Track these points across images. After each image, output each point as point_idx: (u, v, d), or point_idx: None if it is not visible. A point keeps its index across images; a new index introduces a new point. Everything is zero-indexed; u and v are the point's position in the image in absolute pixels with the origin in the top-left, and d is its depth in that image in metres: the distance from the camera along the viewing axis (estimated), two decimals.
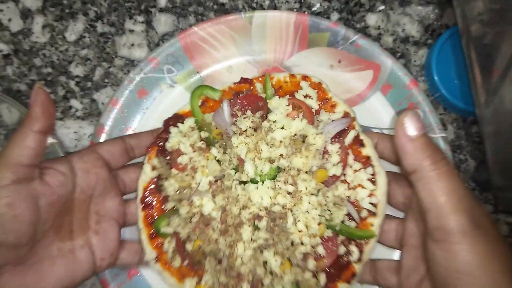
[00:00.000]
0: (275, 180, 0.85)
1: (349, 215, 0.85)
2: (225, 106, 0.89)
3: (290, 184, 0.83)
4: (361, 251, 0.85)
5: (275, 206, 0.83)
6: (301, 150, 0.84)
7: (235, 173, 0.86)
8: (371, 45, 0.98)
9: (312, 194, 0.83)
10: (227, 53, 1.01)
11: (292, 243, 0.83)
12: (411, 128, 0.70)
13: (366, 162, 0.86)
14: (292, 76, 0.94)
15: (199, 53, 1.00)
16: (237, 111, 0.89)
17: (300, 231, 0.83)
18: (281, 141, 0.85)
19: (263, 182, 0.84)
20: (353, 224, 0.86)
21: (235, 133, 0.86)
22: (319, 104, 0.91)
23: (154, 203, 0.90)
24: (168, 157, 0.90)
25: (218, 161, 0.86)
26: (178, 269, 0.88)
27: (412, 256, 0.79)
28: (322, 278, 0.84)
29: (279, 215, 0.83)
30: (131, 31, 1.09)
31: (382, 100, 1.00)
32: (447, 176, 0.67)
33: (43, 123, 0.72)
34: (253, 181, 0.85)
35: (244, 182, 0.86)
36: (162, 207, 0.90)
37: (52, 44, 1.09)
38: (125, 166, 0.92)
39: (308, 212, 0.83)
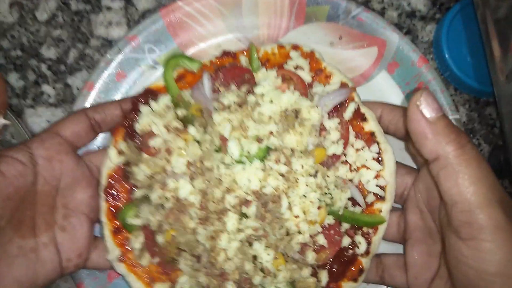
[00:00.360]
0: (264, 160, 0.72)
1: (352, 200, 0.75)
2: (206, 80, 0.78)
3: (284, 164, 0.71)
4: (369, 242, 0.74)
5: (266, 188, 0.71)
6: (294, 126, 0.73)
7: (218, 154, 0.74)
8: (376, 19, 0.88)
9: (309, 175, 0.72)
10: (215, 30, 0.90)
11: (288, 233, 0.71)
12: (427, 109, 0.61)
13: (370, 139, 0.76)
14: (281, 47, 0.83)
15: (184, 30, 0.89)
16: (219, 86, 0.77)
17: (296, 217, 0.71)
18: (270, 117, 0.74)
19: (251, 163, 0.72)
20: (357, 209, 0.75)
21: (217, 110, 0.75)
22: (312, 76, 0.80)
23: (120, 193, 0.78)
24: (137, 140, 0.78)
25: (198, 142, 0.75)
26: (147, 271, 0.76)
27: (419, 252, 0.71)
28: (324, 276, 0.73)
29: (271, 198, 0.71)
30: (109, 8, 0.99)
31: (388, 80, 0.89)
32: (475, 163, 0.58)
33: None
34: (239, 162, 0.73)
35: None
36: (130, 196, 0.78)
37: (21, 24, 0.99)
38: (97, 151, 0.81)
39: (305, 196, 0.71)
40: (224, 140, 0.73)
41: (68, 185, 0.74)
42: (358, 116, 0.77)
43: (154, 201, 0.72)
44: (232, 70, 0.79)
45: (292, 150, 0.72)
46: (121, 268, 0.76)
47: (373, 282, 0.79)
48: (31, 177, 0.69)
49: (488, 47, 0.82)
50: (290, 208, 0.71)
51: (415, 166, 0.81)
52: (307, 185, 0.71)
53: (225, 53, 0.83)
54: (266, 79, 0.78)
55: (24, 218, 0.69)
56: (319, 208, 0.71)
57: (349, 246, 0.74)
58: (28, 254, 0.68)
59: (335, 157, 0.75)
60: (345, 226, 0.75)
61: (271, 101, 0.75)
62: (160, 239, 0.73)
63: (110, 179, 0.77)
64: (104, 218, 0.77)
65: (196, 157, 0.72)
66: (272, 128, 0.73)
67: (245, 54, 0.83)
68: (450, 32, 0.94)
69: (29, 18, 1.00)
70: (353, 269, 0.75)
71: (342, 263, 0.74)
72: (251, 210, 0.70)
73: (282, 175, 0.71)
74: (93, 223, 0.77)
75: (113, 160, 0.77)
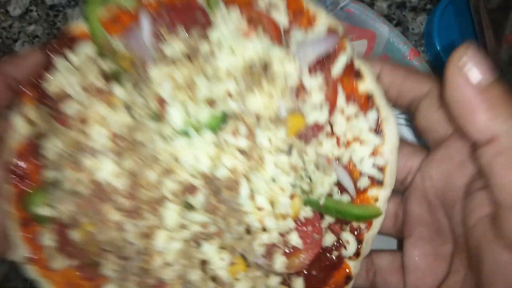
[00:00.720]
0: (218, 132, 0.54)
1: (339, 185, 0.57)
2: (145, 22, 0.57)
3: (245, 137, 0.53)
4: (359, 241, 0.57)
5: (220, 169, 0.52)
6: (261, 85, 0.54)
7: (154, 123, 0.55)
8: (365, 10, 0.85)
9: (280, 152, 0.54)
10: None
11: (248, 230, 0.54)
12: (475, 72, 0.45)
13: (366, 102, 0.57)
14: None
15: None
16: (163, 32, 0.57)
17: (260, 209, 0.53)
18: (229, 73, 0.55)
19: (199, 135, 0.53)
20: (345, 198, 0.57)
21: (157, 62, 0.55)
22: (289, 19, 0.60)
23: (29, 175, 0.60)
24: (50, 105, 0.58)
25: (128, 108, 0.56)
26: (66, 276, 0.59)
27: (422, 253, 0.57)
28: (298, 285, 0.57)
29: (225, 183, 0.52)
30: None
31: None
32: None
33: None
34: (184, 134, 0.54)
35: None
36: (41, 179, 0.59)
37: None
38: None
39: (274, 180, 0.53)
40: (163, 103, 0.54)
41: None
42: (351, 72, 0.57)
43: (66, 187, 0.55)
44: (182, 10, 0.59)
45: (258, 117, 0.54)
46: (32, 272, 0.59)
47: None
48: None
49: (481, 38, 0.80)
50: (252, 197, 0.53)
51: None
52: (276, 166, 0.53)
53: None
54: (226, 21, 0.57)
55: None
56: (292, 197, 0.54)
57: (333, 246, 0.58)
58: None
59: (317, 127, 0.56)
60: (328, 219, 0.58)
61: (232, 51, 0.55)
62: (75, 235, 0.56)
63: (17, 156, 0.59)
64: (9, 206, 0.59)
65: (124, 127, 0.55)
66: (231, 88, 0.54)
67: None
68: (442, 23, 0.92)
69: (1, 13, 0.95)
70: (338, 275, 0.58)
71: (323, 268, 0.58)
72: (198, 199, 0.53)
73: (242, 152, 0.53)
74: None
75: (20, 131, 0.59)
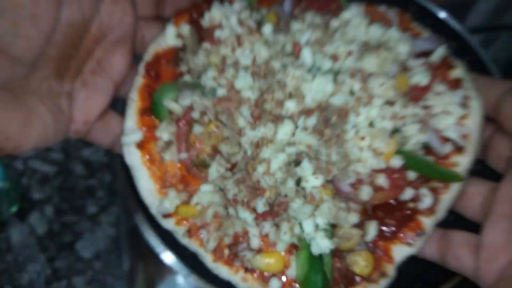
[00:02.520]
0: (338, 75, 0.63)
1: (426, 148, 0.63)
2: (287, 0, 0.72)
3: (360, 81, 0.61)
4: (436, 199, 0.60)
5: (336, 98, 0.60)
6: (378, 50, 0.63)
7: (288, 58, 0.64)
8: None
9: (386, 102, 0.61)
10: None
11: (345, 158, 0.59)
12: None
13: (455, 85, 0.65)
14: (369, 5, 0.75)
15: None
16: (299, 13, 0.71)
17: (362, 139, 0.59)
18: (352, 41, 0.65)
19: (322, 75, 0.62)
20: (431, 159, 0.62)
21: (297, 21, 0.67)
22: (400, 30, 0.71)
23: (162, 77, 0.67)
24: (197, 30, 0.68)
25: (268, 45, 0.66)
26: (164, 173, 0.63)
27: (501, 230, 0.57)
28: (372, 228, 0.59)
29: (337, 111, 0.59)
30: None
31: None
32: None
33: None
34: (309, 72, 0.63)
35: None
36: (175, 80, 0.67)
37: None
38: (149, 22, 0.71)
39: (377, 122, 0.60)
40: (297, 46, 0.64)
41: (114, 41, 0.64)
42: (446, 65, 0.67)
43: (206, 83, 0.63)
44: (317, 0, 0.73)
45: (370, 74, 0.63)
46: (134, 156, 0.63)
47: (430, 258, 0.62)
48: (92, 11, 0.61)
49: None
50: (356, 129, 0.60)
51: None
52: (381, 108, 0.60)
53: None
54: (355, 9, 0.69)
55: (66, 55, 0.60)
56: (390, 138, 0.60)
57: (410, 201, 0.60)
58: (54, 99, 0.59)
59: (417, 90, 0.64)
60: (412, 175, 0.62)
61: (357, 27, 0.67)
62: (198, 129, 0.61)
63: (156, 58, 0.68)
64: (135, 95, 0.66)
65: (263, 58, 0.64)
66: (353, 49, 0.64)
67: None
68: None
69: None
70: (410, 228, 0.60)
71: (397, 218, 0.60)
72: (311, 121, 0.59)
73: (355, 93, 0.61)
74: (113, 94, 0.66)
75: (168, 39, 0.68)
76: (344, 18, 0.68)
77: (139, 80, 0.66)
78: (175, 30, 0.68)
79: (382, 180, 0.59)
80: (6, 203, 0.87)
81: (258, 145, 0.60)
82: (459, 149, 0.62)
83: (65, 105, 0.60)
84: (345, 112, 0.60)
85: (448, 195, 0.61)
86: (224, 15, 0.68)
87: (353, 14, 0.69)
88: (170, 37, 0.68)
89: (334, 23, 0.68)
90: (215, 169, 0.60)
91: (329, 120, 0.59)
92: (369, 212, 0.60)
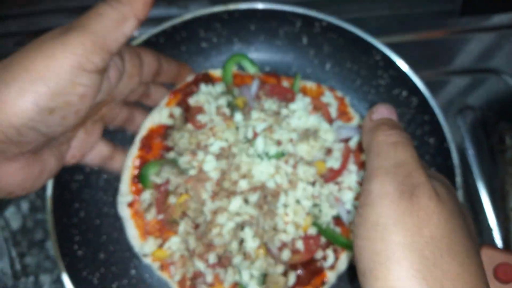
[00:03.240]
0: (278, 160, 0.84)
1: (336, 220, 0.84)
2: (255, 84, 0.92)
3: (291, 166, 0.83)
4: (336, 258, 0.84)
5: (270, 181, 0.82)
6: (308, 139, 0.84)
7: (245, 144, 0.85)
8: None
9: (308, 183, 0.83)
10: None
11: (275, 228, 0.81)
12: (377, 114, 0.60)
13: (362, 165, 0.87)
14: (319, 86, 0.97)
15: None
16: (262, 95, 0.91)
17: (287, 215, 0.81)
18: (294, 129, 0.86)
19: (268, 159, 0.83)
20: (338, 230, 0.84)
21: (256, 109, 0.87)
22: (337, 114, 0.94)
23: (152, 149, 0.87)
24: (187, 111, 0.88)
25: (237, 130, 0.86)
26: (145, 225, 0.84)
27: None
28: (292, 277, 0.82)
29: (272, 191, 0.82)
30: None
31: None
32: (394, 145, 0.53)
33: (144, 9, 0.60)
34: (259, 156, 0.84)
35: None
36: (160, 155, 0.87)
37: None
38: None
39: (298, 201, 0.82)
40: (255, 134, 0.85)
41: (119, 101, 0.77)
42: (360, 148, 0.87)
43: (181, 165, 0.83)
44: (277, 87, 0.94)
45: (301, 158, 0.84)
46: (125, 212, 0.84)
47: None
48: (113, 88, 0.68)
49: None
50: (285, 205, 0.82)
51: None
52: (303, 190, 0.82)
53: (272, 74, 0.97)
54: (301, 101, 0.90)
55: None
56: (307, 215, 0.82)
57: (320, 259, 0.84)
58: (60, 146, 0.68)
59: (332, 173, 0.85)
60: (323, 240, 0.84)
61: (299, 118, 0.87)
62: (173, 199, 0.82)
63: (150, 132, 0.87)
64: (130, 162, 0.85)
65: (229, 142, 0.84)
66: (293, 136, 0.85)
67: (287, 80, 0.97)
68: None
69: None
70: (318, 279, 0.84)
71: (310, 271, 0.83)
72: (254, 197, 0.81)
73: (287, 175, 0.83)
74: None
75: (163, 118, 0.87)
76: (291, 108, 0.89)
77: (135, 151, 0.86)
78: (168, 111, 0.88)
79: (300, 245, 0.83)
80: None
81: (215, 212, 0.81)
82: None
83: (65, 149, 0.69)
84: (277, 192, 0.82)
85: (345, 254, 0.85)
86: (207, 100, 0.87)
87: (298, 106, 0.89)
88: (164, 116, 0.87)
89: (284, 111, 0.89)
90: (183, 227, 0.82)
91: (266, 198, 0.82)
92: (286, 268, 0.83)
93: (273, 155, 0.84)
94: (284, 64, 0.99)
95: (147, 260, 0.83)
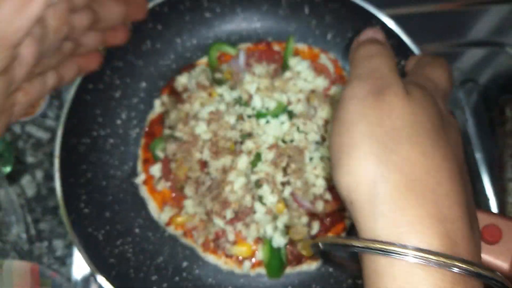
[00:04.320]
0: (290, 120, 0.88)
1: None
2: (241, 54, 0.96)
3: (303, 124, 0.86)
4: None
5: (294, 140, 0.86)
6: (328, 102, 0.88)
7: (241, 107, 0.89)
8: None
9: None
10: None
11: (307, 184, 0.85)
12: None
13: None
14: (310, 47, 0.99)
15: None
16: (253, 62, 0.95)
17: (315, 169, 0.85)
18: (300, 90, 0.90)
19: (275, 117, 0.88)
20: None
21: (248, 74, 0.92)
22: (335, 78, 0.95)
23: (156, 134, 0.94)
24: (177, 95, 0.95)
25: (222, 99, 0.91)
26: (162, 197, 0.89)
27: None
28: (316, 225, 0.86)
29: (295, 150, 0.85)
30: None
31: None
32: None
33: None
34: (261, 115, 0.88)
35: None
36: (162, 135, 0.93)
37: None
38: None
39: (323, 157, 0.86)
40: (250, 96, 0.90)
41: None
42: None
43: (177, 136, 0.89)
44: (267, 52, 0.98)
45: (326, 121, 0.88)
46: (143, 191, 0.90)
47: None
48: None
49: None
50: (311, 162, 0.86)
51: None
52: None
53: (261, 41, 1.00)
54: (303, 63, 0.93)
55: None
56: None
57: (342, 209, 0.88)
58: None
59: None
60: None
61: (305, 79, 0.91)
62: (172, 165, 0.88)
63: (151, 124, 0.95)
64: (140, 151, 0.93)
65: (217, 108, 0.89)
66: (300, 97, 0.89)
67: (278, 45, 1.00)
68: None
69: None
70: (339, 226, 0.88)
71: (333, 220, 0.87)
72: (270, 155, 0.85)
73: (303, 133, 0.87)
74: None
75: (156, 108, 0.95)
76: (296, 69, 0.92)
77: (142, 140, 0.93)
78: (160, 101, 0.96)
79: (328, 196, 0.86)
80: (0, 164, 0.97)
81: (225, 171, 0.85)
82: None
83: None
84: (301, 151, 0.86)
85: None
86: (188, 79, 0.94)
87: (303, 67, 0.93)
88: (157, 106, 0.95)
89: (287, 74, 0.92)
90: (189, 189, 0.86)
91: (292, 157, 0.85)
92: (322, 217, 0.87)
93: (274, 110, 0.87)
94: (286, 34, 1.00)
95: (171, 230, 0.87)
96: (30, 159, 1.01)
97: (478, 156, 1.05)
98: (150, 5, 0.91)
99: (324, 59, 0.97)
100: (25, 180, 1.00)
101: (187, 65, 0.99)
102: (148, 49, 0.97)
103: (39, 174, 1.01)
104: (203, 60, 0.99)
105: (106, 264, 0.78)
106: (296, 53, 0.99)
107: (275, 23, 1.01)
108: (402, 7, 1.16)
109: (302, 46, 0.99)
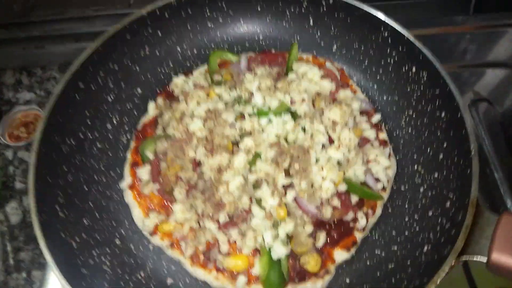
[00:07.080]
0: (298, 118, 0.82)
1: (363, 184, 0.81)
2: (243, 58, 0.92)
3: (310, 123, 0.80)
4: (367, 221, 0.79)
5: (298, 140, 0.79)
6: (341, 104, 0.83)
7: (241, 105, 0.84)
8: None
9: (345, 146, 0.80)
10: None
11: (312, 186, 0.76)
12: None
13: (384, 144, 0.87)
14: (315, 57, 0.96)
15: None
16: (254, 66, 0.91)
17: (321, 170, 0.77)
18: (305, 90, 0.84)
19: (277, 116, 0.81)
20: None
21: (249, 73, 0.88)
22: (341, 84, 0.91)
23: (147, 135, 0.88)
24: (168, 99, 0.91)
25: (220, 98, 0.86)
26: (148, 203, 0.80)
27: None
28: (322, 236, 0.75)
29: (300, 149, 0.77)
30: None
31: None
32: None
33: None
34: (262, 113, 0.81)
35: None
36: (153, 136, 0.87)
37: None
38: None
39: (330, 159, 0.79)
40: (251, 94, 0.84)
41: None
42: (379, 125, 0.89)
43: (169, 133, 0.82)
44: (268, 55, 0.94)
45: (334, 121, 0.82)
46: (128, 197, 0.81)
47: None
48: None
49: None
50: (317, 163, 0.78)
51: None
52: (336, 149, 0.80)
53: (264, 51, 0.97)
54: (308, 69, 0.88)
55: None
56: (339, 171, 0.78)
57: (351, 221, 0.78)
58: None
59: (364, 140, 0.84)
60: (353, 200, 0.79)
61: (311, 80, 0.86)
62: (163, 164, 0.79)
63: (144, 126, 0.89)
64: (129, 154, 0.86)
65: (214, 106, 0.83)
66: (305, 97, 0.82)
67: (282, 56, 0.95)
68: None
69: None
70: (348, 240, 0.77)
71: (340, 233, 0.77)
72: (270, 154, 0.77)
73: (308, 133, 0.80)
74: None
75: (150, 111, 0.90)
76: (301, 71, 0.87)
77: (132, 144, 0.87)
78: (154, 104, 0.90)
79: (336, 202, 0.76)
80: None
81: (220, 170, 0.75)
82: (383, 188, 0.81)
83: None
84: (306, 150, 0.77)
85: (373, 219, 0.79)
86: (184, 80, 0.90)
87: (308, 68, 0.87)
88: (151, 109, 0.90)
89: (291, 76, 0.86)
90: (178, 191, 0.76)
91: (296, 156, 0.76)
92: (329, 228, 0.77)
93: (276, 110, 0.80)
94: (290, 45, 0.95)
95: (156, 240, 0.76)
96: (18, 185, 0.98)
97: (497, 176, 0.97)
98: (150, 8, 0.89)
99: (330, 66, 0.93)
100: (10, 206, 0.96)
101: (186, 71, 0.94)
102: (146, 55, 0.92)
103: (26, 201, 0.97)
104: (203, 69, 0.95)
105: (77, 274, 0.66)
106: (301, 60, 0.94)
107: (278, 34, 0.98)
108: (423, 28, 1.16)
109: (306, 56, 0.95)
